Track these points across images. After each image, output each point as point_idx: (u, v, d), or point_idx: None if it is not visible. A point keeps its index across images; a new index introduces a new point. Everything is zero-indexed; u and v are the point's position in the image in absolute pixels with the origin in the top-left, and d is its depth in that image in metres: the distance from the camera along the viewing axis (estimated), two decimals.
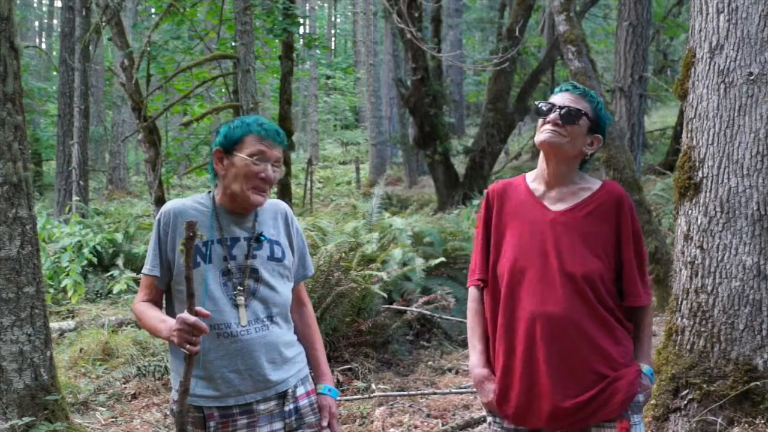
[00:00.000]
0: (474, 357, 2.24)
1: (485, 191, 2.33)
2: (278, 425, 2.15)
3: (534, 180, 2.25)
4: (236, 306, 2.10)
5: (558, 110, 2.14)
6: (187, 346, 1.93)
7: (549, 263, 2.10)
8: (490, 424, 2.25)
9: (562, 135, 2.13)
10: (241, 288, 2.11)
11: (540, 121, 2.19)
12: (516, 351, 2.11)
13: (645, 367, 2.16)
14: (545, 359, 2.06)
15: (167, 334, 1.98)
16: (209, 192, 2.24)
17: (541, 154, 2.22)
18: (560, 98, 2.18)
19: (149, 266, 2.17)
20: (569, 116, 2.13)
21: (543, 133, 2.14)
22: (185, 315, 1.93)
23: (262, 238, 2.18)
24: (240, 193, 2.12)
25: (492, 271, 2.20)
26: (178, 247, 2.10)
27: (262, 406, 2.13)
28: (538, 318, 2.07)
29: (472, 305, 2.28)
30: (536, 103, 2.25)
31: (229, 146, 2.13)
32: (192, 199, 2.22)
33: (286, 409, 2.16)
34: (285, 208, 2.31)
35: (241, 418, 2.12)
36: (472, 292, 2.28)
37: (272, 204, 2.29)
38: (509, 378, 2.13)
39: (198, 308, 1.95)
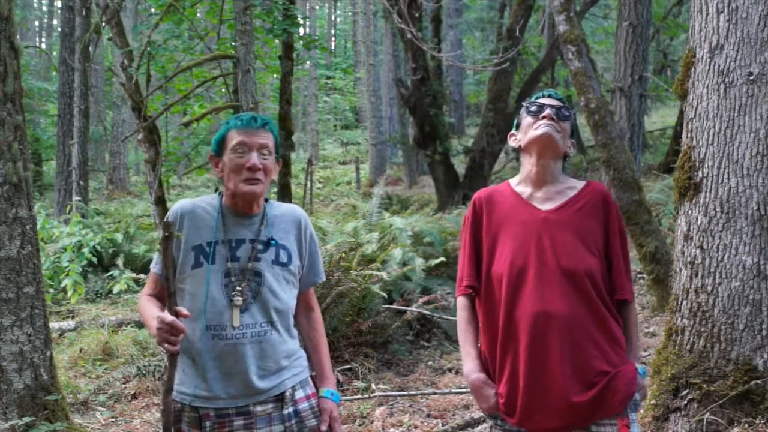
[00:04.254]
0: (469, 363, 2.23)
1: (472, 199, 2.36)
2: (278, 428, 2.13)
3: (519, 184, 2.28)
4: (233, 307, 2.09)
5: (550, 108, 2.21)
6: (166, 345, 1.96)
7: (546, 261, 2.11)
8: (492, 428, 2.24)
9: (558, 130, 2.19)
10: (239, 289, 2.10)
11: (529, 119, 2.23)
12: (519, 352, 2.10)
13: (638, 366, 2.17)
14: (552, 357, 2.06)
15: (152, 332, 2.03)
16: (219, 193, 2.25)
17: (527, 157, 2.25)
18: (546, 100, 2.26)
19: (154, 263, 2.24)
20: (562, 113, 2.22)
21: (540, 127, 2.19)
22: (164, 314, 1.97)
23: (272, 242, 2.17)
24: (234, 188, 2.14)
25: (486, 276, 2.21)
26: (182, 246, 2.14)
27: (259, 408, 2.12)
28: (540, 317, 2.07)
29: (462, 313, 2.28)
30: (523, 104, 2.30)
31: (219, 149, 2.19)
32: (202, 200, 2.23)
33: (285, 412, 2.14)
34: (301, 213, 2.30)
35: (237, 419, 2.11)
36: (462, 301, 2.28)
37: (288, 208, 2.30)
38: (514, 379, 2.12)
39: (178, 308, 1.99)
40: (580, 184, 2.26)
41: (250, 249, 2.15)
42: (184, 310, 2.00)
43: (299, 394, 2.19)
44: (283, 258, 2.19)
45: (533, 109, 2.24)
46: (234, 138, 2.15)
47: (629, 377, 2.09)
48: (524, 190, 2.25)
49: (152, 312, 2.09)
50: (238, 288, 2.10)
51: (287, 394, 2.16)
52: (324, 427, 2.19)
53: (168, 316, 1.96)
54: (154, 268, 2.23)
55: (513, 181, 2.31)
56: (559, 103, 2.24)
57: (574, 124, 2.28)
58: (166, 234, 1.94)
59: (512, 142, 2.31)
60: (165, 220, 1.97)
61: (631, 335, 2.21)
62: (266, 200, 2.27)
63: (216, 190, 2.28)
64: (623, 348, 2.15)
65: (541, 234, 2.14)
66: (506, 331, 2.13)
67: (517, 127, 2.31)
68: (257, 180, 2.12)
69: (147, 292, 2.25)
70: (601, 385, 2.06)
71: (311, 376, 2.28)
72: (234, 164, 2.13)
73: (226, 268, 2.12)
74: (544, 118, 2.19)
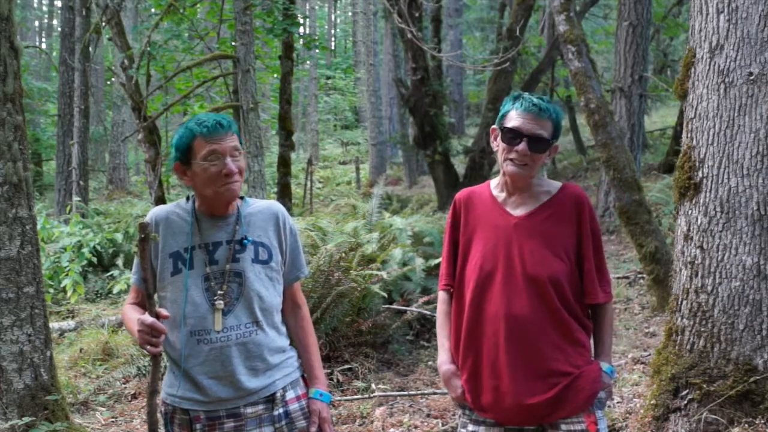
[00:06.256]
0: (443, 355, 2.33)
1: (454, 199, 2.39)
2: (268, 429, 2.13)
3: (497, 187, 2.31)
4: (214, 311, 2.09)
5: (526, 141, 2.13)
6: (147, 347, 1.96)
7: (513, 267, 2.16)
8: (459, 416, 2.34)
9: (529, 165, 2.16)
10: (221, 293, 2.10)
11: (504, 146, 2.17)
12: (482, 352, 2.19)
13: (605, 365, 2.23)
14: (508, 359, 2.14)
15: (134, 335, 2.02)
16: (189, 198, 2.22)
17: (503, 167, 2.24)
18: (525, 123, 2.14)
19: (132, 273, 2.25)
20: (538, 147, 2.15)
21: (510, 165, 2.16)
22: (144, 316, 1.96)
23: (246, 241, 2.15)
24: (213, 195, 2.11)
25: (458, 278, 2.28)
26: (160, 254, 2.13)
27: (249, 410, 2.12)
28: (502, 320, 2.14)
29: (441, 307, 2.38)
30: (501, 127, 2.20)
31: (184, 157, 2.12)
32: (175, 205, 2.21)
33: (275, 413, 2.15)
34: (278, 208, 2.27)
35: (228, 422, 2.11)
36: (442, 296, 2.38)
37: (265, 205, 2.27)
38: (478, 376, 2.21)
39: (158, 309, 1.99)
40: (555, 187, 2.26)
41: (227, 250, 2.13)
42: (164, 311, 1.99)
43: (290, 395, 2.19)
44: (263, 255, 2.18)
45: (508, 135, 2.15)
46: (203, 147, 2.06)
47: (593, 376, 2.17)
48: (500, 195, 2.28)
49: (134, 317, 2.07)
50: (219, 291, 2.10)
51: (278, 395, 2.16)
52: (313, 429, 2.19)
53: (148, 318, 1.95)
54: (133, 278, 2.23)
55: (493, 182, 2.33)
56: (537, 127, 2.12)
57: (556, 129, 2.17)
58: (142, 236, 1.94)
59: (492, 143, 2.25)
60: (141, 222, 1.96)
61: (603, 336, 2.26)
62: (242, 198, 2.25)
63: (188, 198, 2.22)
64: (587, 349, 2.21)
65: (510, 240, 2.18)
66: (469, 333, 2.22)
67: (500, 121, 2.21)
68: (236, 182, 2.10)
69: (129, 301, 2.24)
70: (561, 385, 2.13)
71: (302, 377, 2.28)
72: (209, 173, 2.07)
73: (206, 272, 2.11)
74: (516, 152, 2.13)
